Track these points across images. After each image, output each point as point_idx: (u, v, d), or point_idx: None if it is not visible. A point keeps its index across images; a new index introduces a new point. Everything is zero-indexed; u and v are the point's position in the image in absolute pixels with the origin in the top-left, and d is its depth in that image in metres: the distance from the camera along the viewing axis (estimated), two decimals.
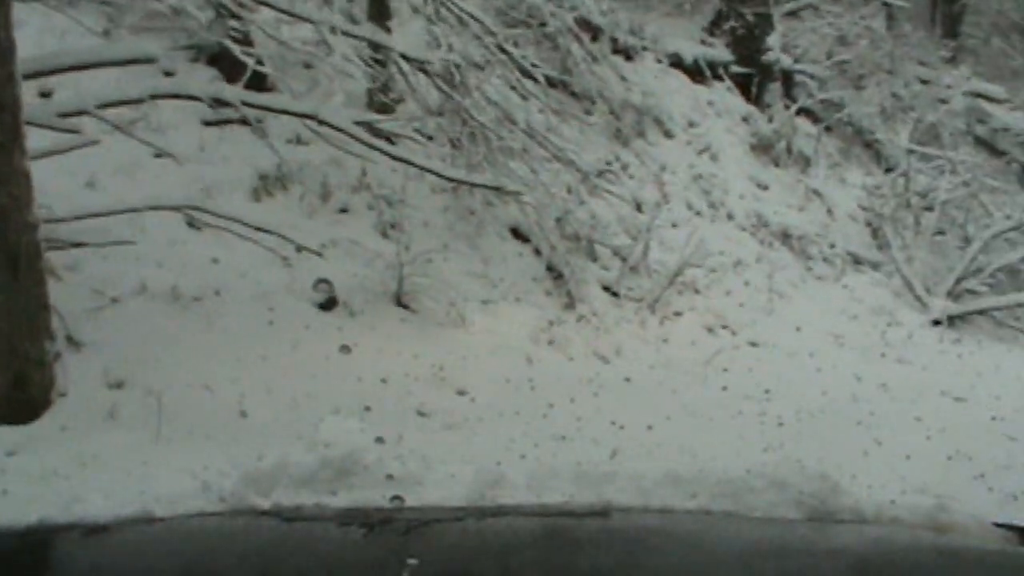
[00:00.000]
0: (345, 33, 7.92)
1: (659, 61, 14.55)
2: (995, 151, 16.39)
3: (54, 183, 7.71)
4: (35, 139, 6.80)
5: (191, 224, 8.58)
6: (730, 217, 12.97)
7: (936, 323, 12.02)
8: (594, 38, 13.24)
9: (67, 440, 6.33)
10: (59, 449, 6.14)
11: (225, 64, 9.92)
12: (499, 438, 7.14)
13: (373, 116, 9.08)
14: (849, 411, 8.51)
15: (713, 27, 15.75)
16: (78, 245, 7.61)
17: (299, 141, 9.88)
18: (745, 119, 14.82)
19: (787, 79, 15.77)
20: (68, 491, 5.06)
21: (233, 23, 7.65)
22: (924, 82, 16.15)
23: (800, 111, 15.11)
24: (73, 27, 8.70)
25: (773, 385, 9.13)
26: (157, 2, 8.43)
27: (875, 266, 13.28)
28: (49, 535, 4.23)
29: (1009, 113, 16.78)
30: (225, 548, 3.80)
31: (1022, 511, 5.87)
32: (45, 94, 9.15)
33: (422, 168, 9.19)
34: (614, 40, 13.79)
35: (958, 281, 12.72)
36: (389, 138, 9.22)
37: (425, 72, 9.24)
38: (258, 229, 8.19)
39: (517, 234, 10.62)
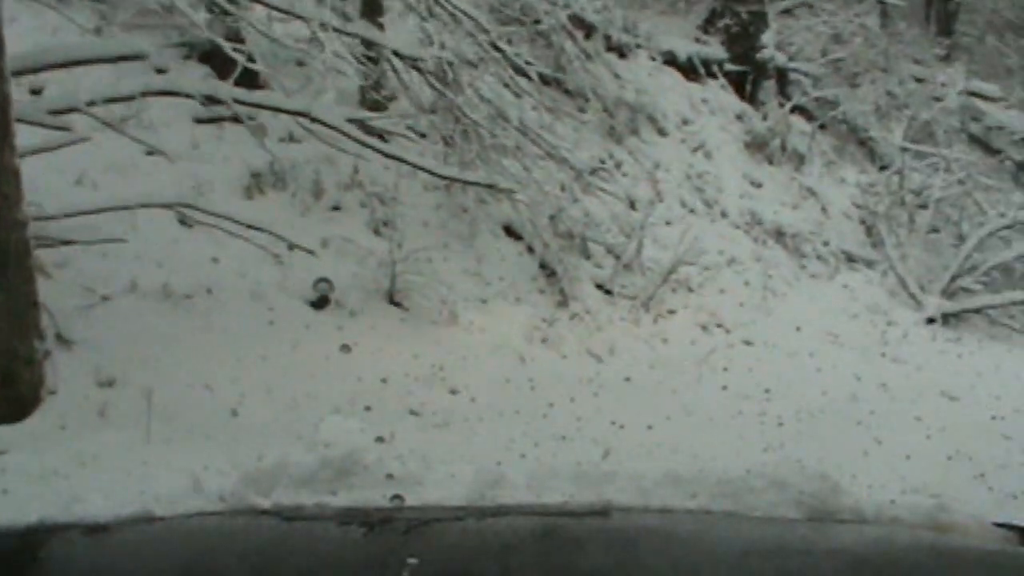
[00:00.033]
0: (336, 30, 7.89)
1: (653, 59, 14.52)
2: (989, 149, 16.40)
3: (45, 180, 7.69)
4: (25, 136, 6.78)
5: (183, 222, 8.55)
6: (724, 215, 12.95)
7: (931, 321, 12.01)
8: (588, 35, 13.22)
9: (57, 439, 6.31)
10: (49, 448, 6.11)
11: (217, 61, 9.87)
12: (499, 438, 7.15)
13: (366, 114, 9.05)
14: (849, 411, 8.51)
15: (707, 25, 15.72)
16: (68, 243, 7.58)
17: (292, 139, 9.86)
18: (739, 117, 14.80)
19: (781, 77, 15.77)
20: (67, 490, 5.03)
21: (225, 20, 7.62)
22: (919, 80, 16.15)
23: (794, 109, 15.10)
24: (65, 24, 8.67)
25: (773, 385, 9.12)
26: None
27: (869, 264, 13.27)
28: (44, 535, 4.20)
29: (1003, 111, 16.79)
30: (225, 548, 3.79)
31: (1022, 511, 5.87)
32: (36, 91, 9.12)
33: (415, 166, 9.17)
34: (608, 38, 13.77)
35: (952, 279, 12.71)
36: (382, 136, 9.20)
37: (418, 69, 9.21)
38: (250, 227, 8.15)
39: (510, 232, 10.59)
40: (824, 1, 16.30)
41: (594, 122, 12.42)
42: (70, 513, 4.50)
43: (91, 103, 7.46)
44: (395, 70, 9.42)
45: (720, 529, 4.27)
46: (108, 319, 7.58)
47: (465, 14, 9.46)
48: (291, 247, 8.48)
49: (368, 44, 9.08)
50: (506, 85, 10.40)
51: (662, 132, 13.57)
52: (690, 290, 11.06)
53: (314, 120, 8.20)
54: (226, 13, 7.79)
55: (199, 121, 9.87)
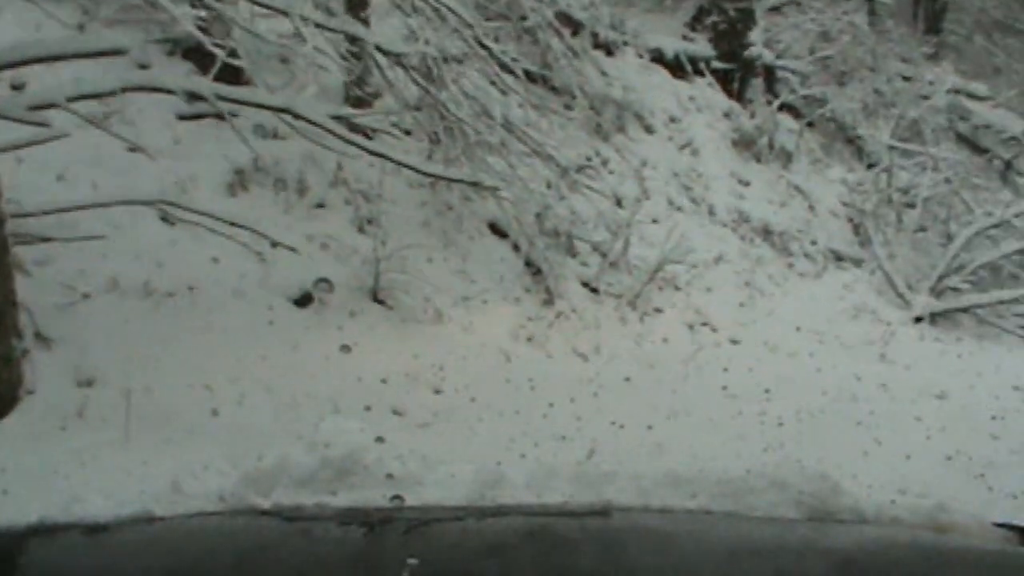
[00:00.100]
0: (319, 25, 7.81)
1: (640, 56, 14.50)
2: (977, 148, 16.43)
3: (24, 177, 7.62)
4: (3, 132, 6.71)
5: (164, 219, 8.47)
6: (711, 213, 12.94)
7: (918, 320, 12.00)
8: (575, 33, 13.16)
9: (35, 438, 6.24)
10: (27, 447, 6.05)
11: (200, 57, 9.80)
12: (499, 438, 7.14)
13: (349, 110, 8.96)
14: (849, 411, 8.51)
15: (695, 22, 15.71)
16: (48, 240, 7.50)
17: (275, 136, 9.78)
18: (727, 115, 14.78)
19: (769, 75, 15.75)
20: (63, 490, 4.97)
21: (204, 14, 7.54)
22: (906, 79, 16.17)
23: (782, 107, 15.11)
24: (48, 20, 8.58)
25: (773, 385, 9.10)
26: None
27: (857, 263, 13.27)
28: (18, 535, 4.13)
29: (991, 110, 16.82)
30: (225, 548, 3.74)
31: (1022, 511, 5.86)
32: (17, 87, 9.02)
33: (399, 163, 9.08)
34: (595, 35, 13.72)
35: (940, 278, 12.72)
36: (366, 133, 9.13)
37: (402, 66, 9.13)
38: (233, 224, 8.08)
39: (496, 230, 10.54)
40: None
41: (580, 119, 12.38)
42: (62, 513, 4.44)
43: (72, 99, 7.38)
44: (379, 66, 9.35)
45: (720, 529, 4.24)
46: (88, 317, 7.49)
47: (450, 10, 9.39)
48: (274, 244, 8.41)
49: (352, 40, 9.00)
50: (492, 82, 10.33)
51: (649, 130, 13.54)
52: (677, 288, 11.04)
53: (297, 117, 8.12)
54: (207, 8, 7.70)
55: (182, 118, 9.77)
